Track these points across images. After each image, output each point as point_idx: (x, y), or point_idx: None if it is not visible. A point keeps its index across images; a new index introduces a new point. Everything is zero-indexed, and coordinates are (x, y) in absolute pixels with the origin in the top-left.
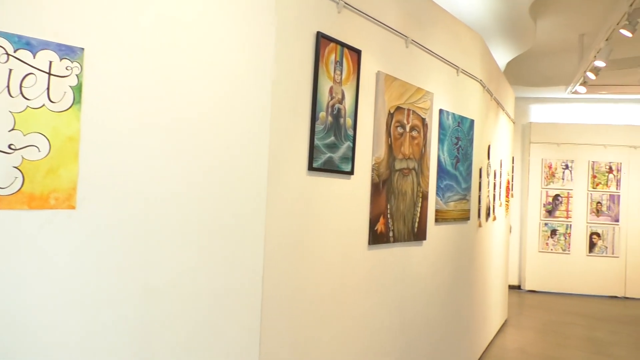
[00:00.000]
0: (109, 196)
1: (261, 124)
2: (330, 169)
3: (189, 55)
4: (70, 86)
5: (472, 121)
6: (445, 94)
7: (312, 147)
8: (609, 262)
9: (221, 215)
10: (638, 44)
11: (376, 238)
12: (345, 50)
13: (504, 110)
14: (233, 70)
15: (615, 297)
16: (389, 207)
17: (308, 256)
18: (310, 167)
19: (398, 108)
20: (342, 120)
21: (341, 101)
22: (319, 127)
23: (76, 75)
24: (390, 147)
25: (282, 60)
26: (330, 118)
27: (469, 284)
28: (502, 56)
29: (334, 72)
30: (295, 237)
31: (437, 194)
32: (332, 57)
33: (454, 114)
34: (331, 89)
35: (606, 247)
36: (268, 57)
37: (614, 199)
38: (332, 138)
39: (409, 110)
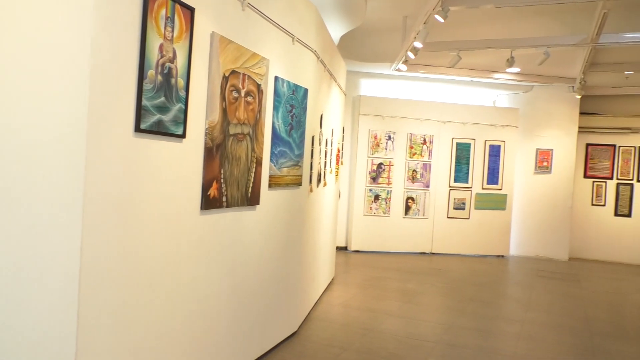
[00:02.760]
0: None
1: (79, 80)
2: (160, 131)
3: None
4: None
5: (306, 90)
6: (281, 62)
7: (139, 108)
8: (420, 223)
9: (31, 181)
10: (451, 30)
11: (209, 203)
12: (177, 6)
13: (336, 82)
14: (46, 19)
15: (424, 253)
16: (222, 172)
17: (135, 222)
18: (138, 129)
19: (233, 72)
20: (173, 80)
21: (172, 60)
22: (147, 86)
23: None
24: (224, 112)
25: (104, 11)
26: (160, 77)
27: (300, 247)
28: (336, 30)
29: (165, 28)
30: (121, 202)
31: (271, 159)
32: (163, 12)
33: (289, 81)
34: (161, 46)
35: (419, 210)
36: (87, 6)
37: (427, 167)
38: (163, 99)
39: (244, 75)
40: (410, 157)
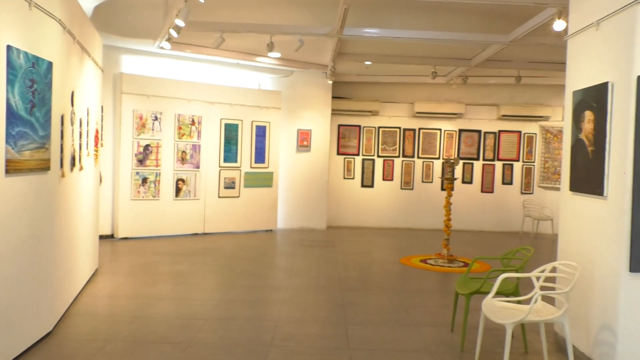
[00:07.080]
0: None
1: None
2: None
3: None
4: None
5: (50, 63)
6: (15, 29)
7: None
8: (192, 204)
9: None
10: (214, 11)
11: None
12: None
13: (90, 56)
14: None
15: (197, 233)
16: None
17: None
18: None
19: None
20: None
21: None
22: None
23: None
24: None
25: None
26: None
27: (51, 238)
28: (88, 0)
29: None
30: None
31: (7, 142)
32: None
33: (26, 52)
34: None
35: (190, 191)
36: None
37: (196, 148)
38: None
39: None
40: (179, 138)
